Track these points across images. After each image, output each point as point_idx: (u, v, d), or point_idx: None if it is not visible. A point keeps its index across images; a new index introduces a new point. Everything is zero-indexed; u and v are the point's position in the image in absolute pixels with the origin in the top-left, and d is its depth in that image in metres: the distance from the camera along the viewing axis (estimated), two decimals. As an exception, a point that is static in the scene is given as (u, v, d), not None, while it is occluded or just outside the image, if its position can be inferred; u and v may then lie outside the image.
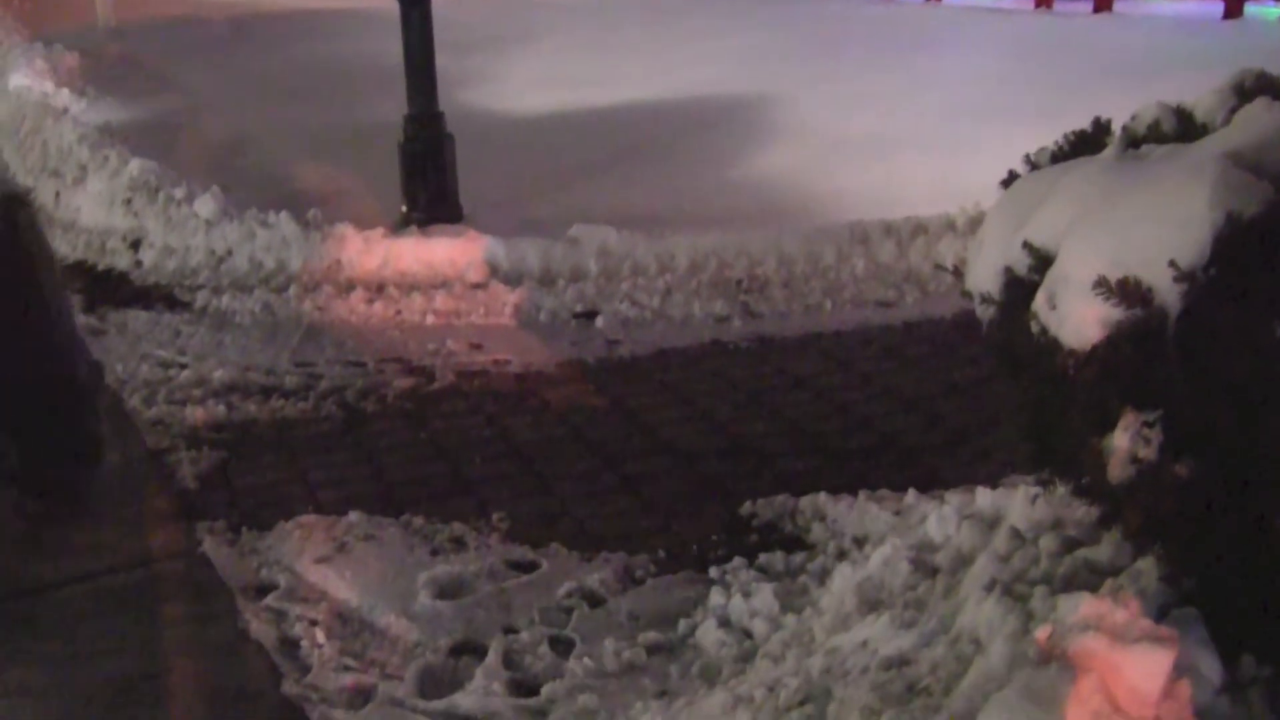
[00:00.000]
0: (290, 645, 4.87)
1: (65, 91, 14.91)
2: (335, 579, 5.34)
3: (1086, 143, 4.82)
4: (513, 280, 8.71)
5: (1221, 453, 3.23)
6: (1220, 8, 18.41)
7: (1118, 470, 3.32)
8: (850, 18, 18.82)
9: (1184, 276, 3.20)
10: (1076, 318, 3.41)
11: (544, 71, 15.58)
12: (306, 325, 8.36)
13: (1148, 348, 3.27)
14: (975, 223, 9.28)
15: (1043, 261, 3.80)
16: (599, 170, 11.21)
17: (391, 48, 9.68)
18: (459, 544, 5.61)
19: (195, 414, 7.05)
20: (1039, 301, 3.58)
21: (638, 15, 19.36)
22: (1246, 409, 3.18)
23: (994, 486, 5.47)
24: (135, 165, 10.64)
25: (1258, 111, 3.85)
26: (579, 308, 8.36)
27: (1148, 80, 14.29)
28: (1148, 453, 3.26)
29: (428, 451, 6.63)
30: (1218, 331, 3.18)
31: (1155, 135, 4.59)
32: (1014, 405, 4.48)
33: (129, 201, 10.24)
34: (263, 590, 5.27)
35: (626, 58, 16.19)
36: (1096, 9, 18.90)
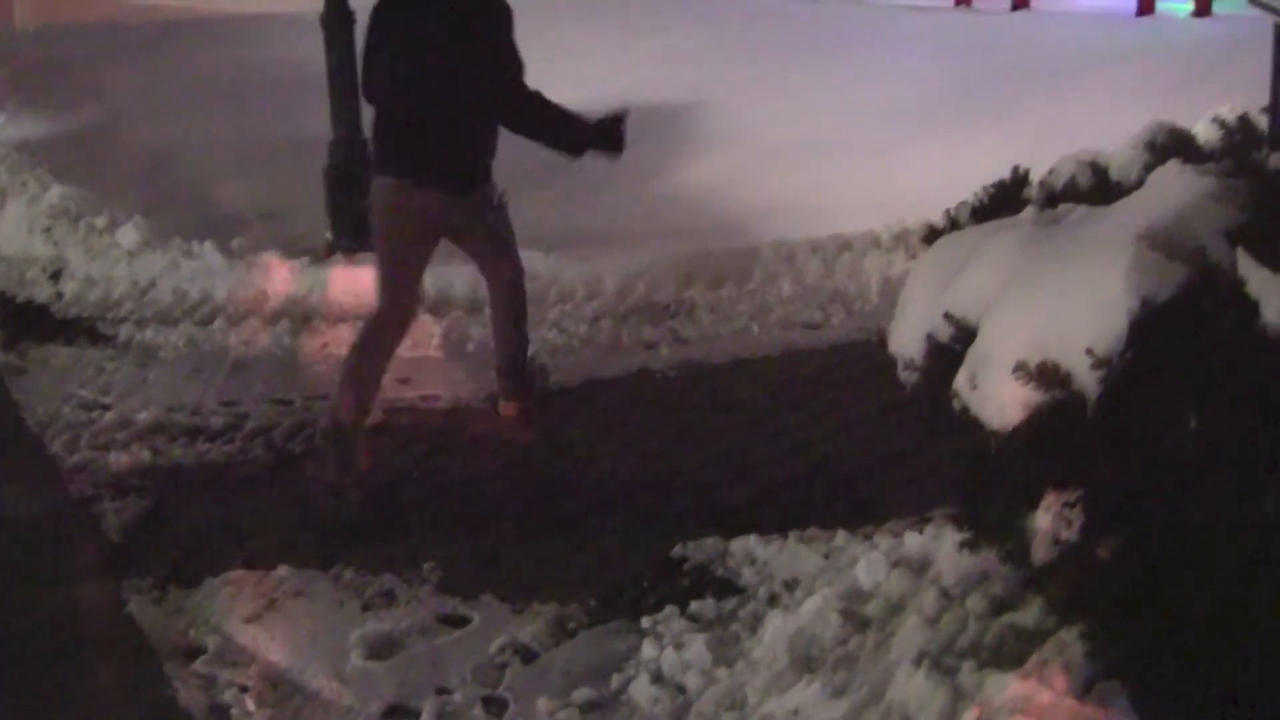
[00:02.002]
0: (220, 713, 4.84)
1: (-21, 110, 14.75)
2: (265, 640, 5.31)
3: (1005, 196, 4.86)
4: (440, 309, 8.68)
5: (1143, 533, 3.26)
6: (1134, 4, 18.52)
7: (1041, 552, 3.36)
8: (773, 16, 18.77)
9: (1101, 363, 3.23)
10: (998, 399, 3.45)
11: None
12: (232, 360, 8.29)
13: (1068, 430, 3.31)
14: (899, 239, 9.36)
15: (964, 333, 3.83)
16: (527, 185, 11.08)
17: (320, 55, 9.57)
18: (390, 597, 5.59)
19: (120, 459, 6.98)
20: (961, 380, 3.61)
21: (571, 13, 19.28)
22: (1166, 490, 3.21)
23: (925, 518, 5.53)
24: (55, 192, 10.53)
25: (1169, 178, 3.88)
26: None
27: (1065, 78, 14.45)
28: (1069, 534, 3.30)
29: (356, 494, 6.60)
30: (1136, 415, 3.22)
31: (1072, 192, 4.64)
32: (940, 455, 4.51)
33: (49, 230, 10.13)
34: (191, 653, 5.23)
35: (558, 60, 16.09)
36: (1015, 6, 18.97)
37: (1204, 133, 5.05)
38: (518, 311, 7.22)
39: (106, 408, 7.61)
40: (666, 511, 6.25)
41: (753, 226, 9.92)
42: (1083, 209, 4.14)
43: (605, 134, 6.87)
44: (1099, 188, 4.59)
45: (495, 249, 7.11)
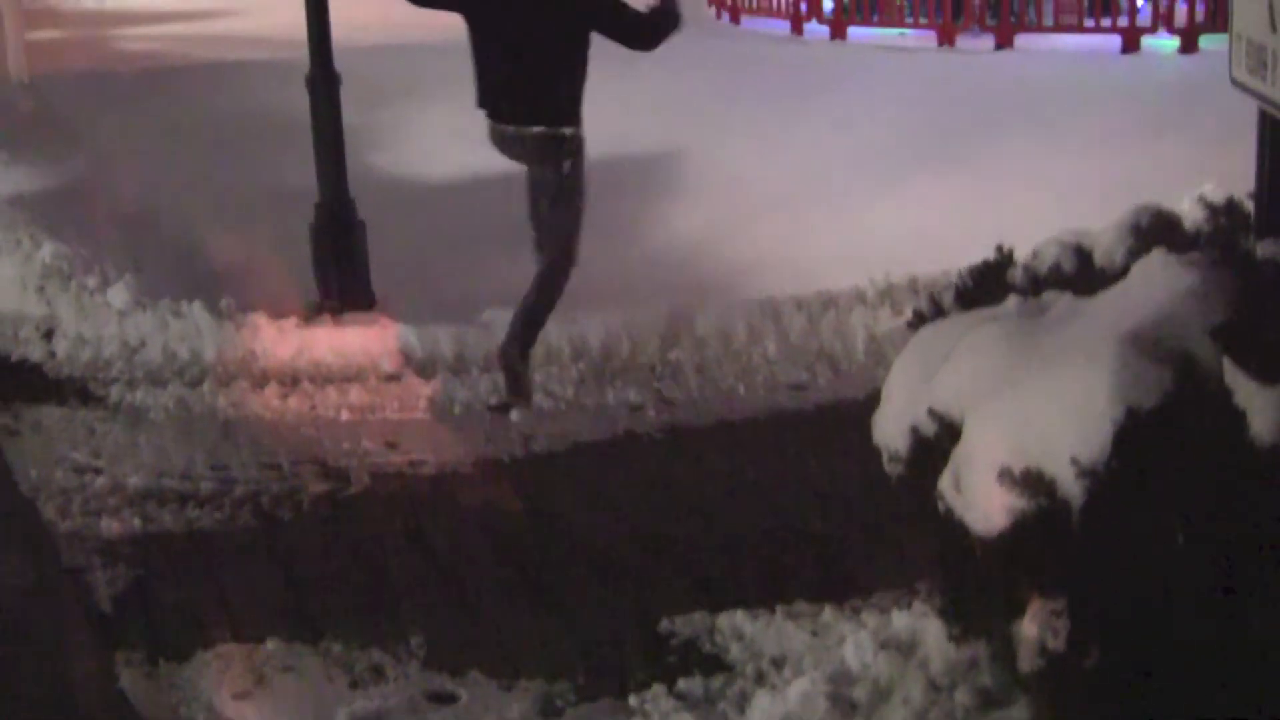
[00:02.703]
0: (212, 793, 4.87)
1: (-29, 161, 14.75)
2: (255, 716, 5.33)
3: (989, 278, 4.91)
4: (427, 369, 8.72)
5: (1129, 641, 3.30)
6: (1119, 41, 18.63)
7: (1027, 662, 3.39)
8: (752, 59, 18.83)
9: (1086, 472, 3.27)
10: (982, 504, 3.49)
11: (457, 125, 15.44)
12: (221, 422, 8.32)
13: (1052, 539, 3.34)
14: (884, 295, 9.39)
15: (948, 429, 3.87)
16: (511, 239, 11.20)
17: (304, 104, 9.63)
18: (378, 673, 5.61)
19: (111, 526, 7.00)
20: (945, 483, 3.65)
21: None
22: (1153, 603, 3.25)
23: (912, 591, 5.56)
24: (48, 250, 10.53)
25: (1154, 270, 3.92)
26: (493, 400, 8.35)
27: (1049, 121, 14.51)
28: (1056, 644, 3.33)
29: (344, 564, 6.63)
30: (1121, 526, 3.26)
31: (1056, 278, 4.68)
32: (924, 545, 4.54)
33: (41, 289, 10.14)
34: (184, 731, 5.26)
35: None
36: (998, 45, 19.06)
37: (1190, 214, 5.09)
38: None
39: (98, 471, 7.63)
40: (653, 583, 6.27)
41: (737, 281, 9.96)
42: (1067, 300, 4.18)
43: (666, 14, 8.12)
44: (1083, 273, 4.63)
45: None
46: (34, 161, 14.93)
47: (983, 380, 3.73)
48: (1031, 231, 9.75)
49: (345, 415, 8.32)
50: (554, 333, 8.86)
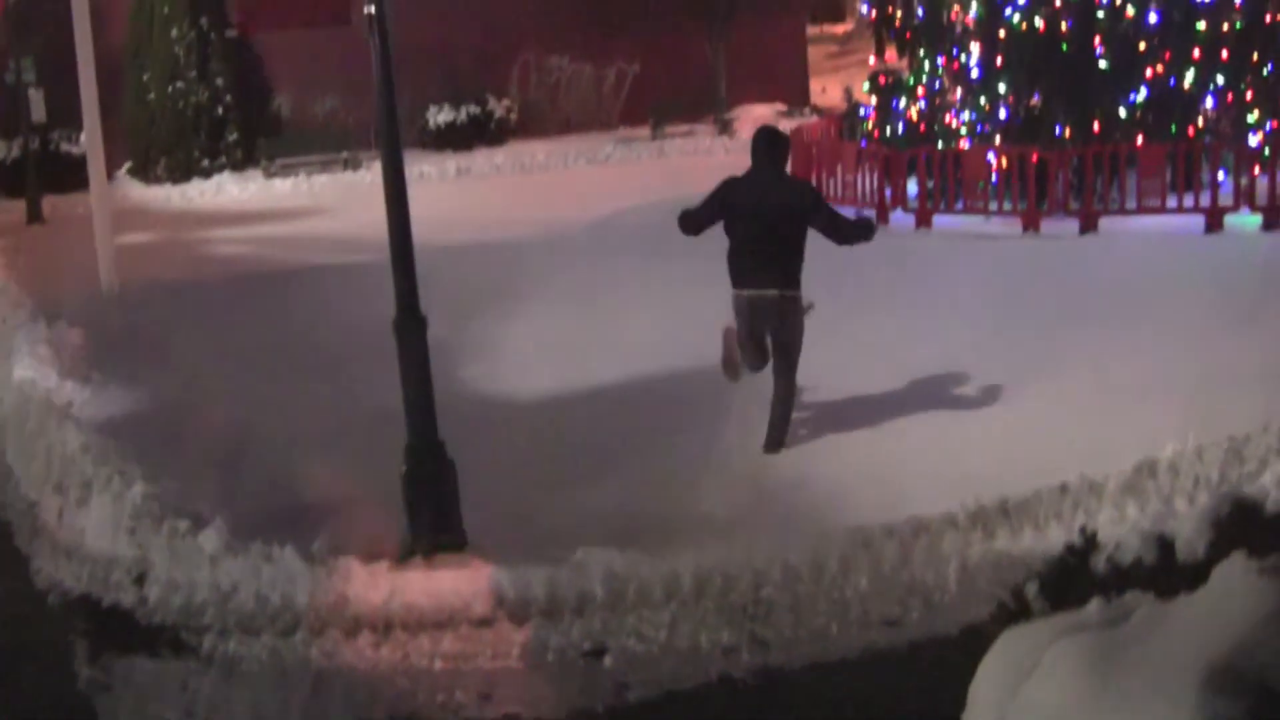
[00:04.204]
0: None
1: (69, 384, 15.02)
2: None
3: (1072, 571, 4.88)
4: (519, 612, 8.72)
5: None
6: (1202, 220, 18.64)
7: None
8: (839, 249, 18.96)
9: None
10: None
11: (540, 338, 15.69)
12: (314, 674, 8.35)
13: None
14: (976, 519, 9.34)
15: (1037, 756, 3.84)
16: (602, 463, 11.29)
17: (391, 306, 9.79)
18: None
19: (208, 797, 7.04)
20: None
21: (630, 261, 19.55)
22: None
23: None
24: (139, 490, 10.69)
25: (1234, 583, 3.89)
26: (587, 645, 8.34)
27: (1135, 310, 14.52)
28: None
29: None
30: None
31: (1138, 572, 4.65)
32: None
33: (133, 530, 10.28)
34: None
35: (624, 315, 16.33)
36: (1083, 229, 19.13)
37: (1273, 494, 5.06)
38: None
39: (192, 733, 7.68)
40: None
41: (826, 507, 9.96)
42: (1148, 607, 4.15)
43: (864, 226, 11.86)
44: (1164, 567, 4.61)
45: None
46: (125, 383, 15.21)
47: (1067, 712, 3.71)
48: (1113, 452, 9.81)
49: (439, 664, 8.32)
50: (646, 571, 8.87)
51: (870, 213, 21.15)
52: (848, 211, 13.59)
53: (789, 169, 12.36)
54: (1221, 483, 9.60)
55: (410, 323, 9.54)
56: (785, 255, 11.33)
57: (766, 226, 11.32)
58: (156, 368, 15.87)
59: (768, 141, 11.63)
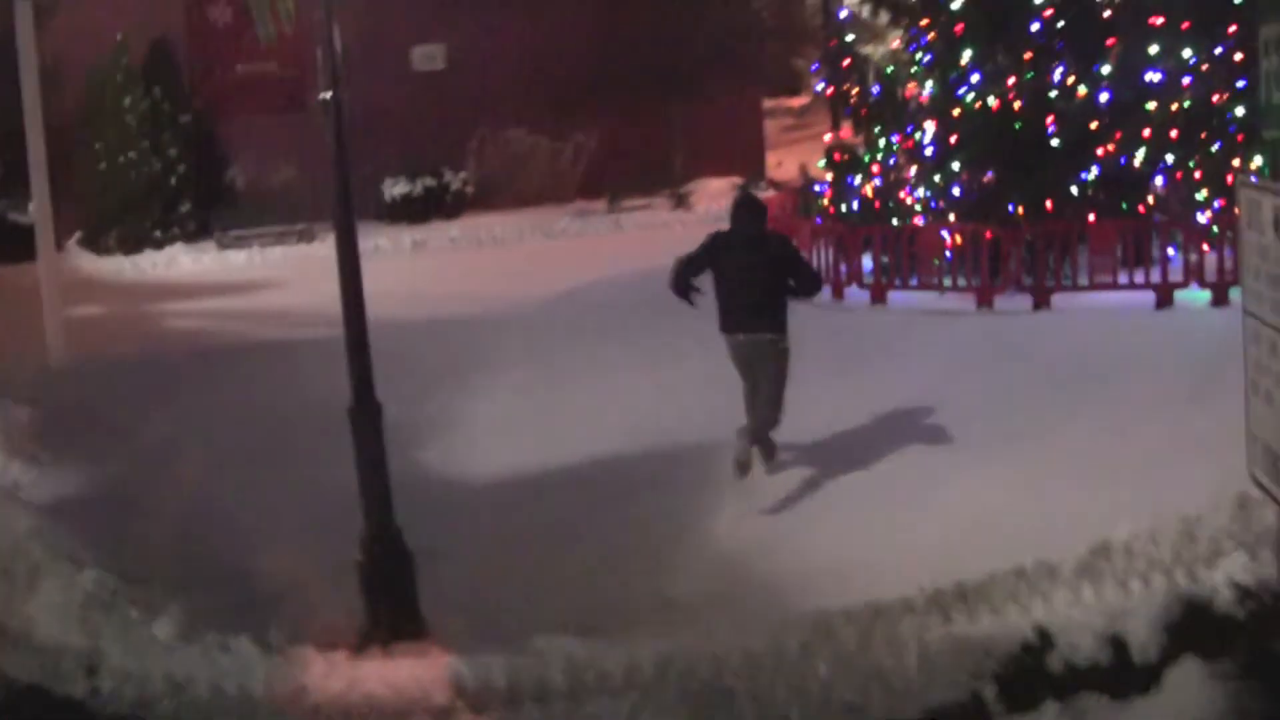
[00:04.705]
0: None
1: (16, 464, 14.82)
2: None
3: (1029, 672, 4.92)
4: (479, 702, 8.65)
5: None
6: (1153, 296, 18.77)
7: None
8: (792, 325, 19.01)
9: None
10: None
11: (498, 417, 15.61)
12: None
13: None
14: (933, 603, 9.34)
15: None
16: (562, 545, 11.27)
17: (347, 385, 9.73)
18: None
19: None
20: None
21: (587, 338, 19.55)
22: None
23: None
24: (89, 577, 10.56)
25: (1188, 687, 3.94)
26: (547, 731, 8.31)
27: (1088, 388, 14.55)
28: None
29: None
30: None
31: (1093, 676, 4.69)
32: None
33: (84, 619, 10.14)
34: None
35: (582, 394, 16.30)
36: (1036, 305, 19.19)
37: (1224, 596, 5.10)
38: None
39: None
40: None
41: (785, 590, 9.96)
42: (1101, 713, 4.19)
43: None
44: (1118, 667, 4.65)
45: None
46: (76, 463, 15.02)
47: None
48: (1068, 532, 9.84)
49: (399, 761, 8.26)
50: (607, 659, 8.83)
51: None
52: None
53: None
54: (1175, 564, 9.65)
55: (365, 411, 9.51)
56: (773, 302, 12.62)
57: (753, 276, 12.57)
58: (109, 447, 15.66)
59: (747, 205, 13.33)
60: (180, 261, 32.86)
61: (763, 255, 12.73)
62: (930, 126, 22.17)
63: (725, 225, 13.24)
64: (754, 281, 12.64)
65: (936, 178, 21.88)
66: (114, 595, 10.36)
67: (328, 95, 9.31)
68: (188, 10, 35.48)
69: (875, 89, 22.99)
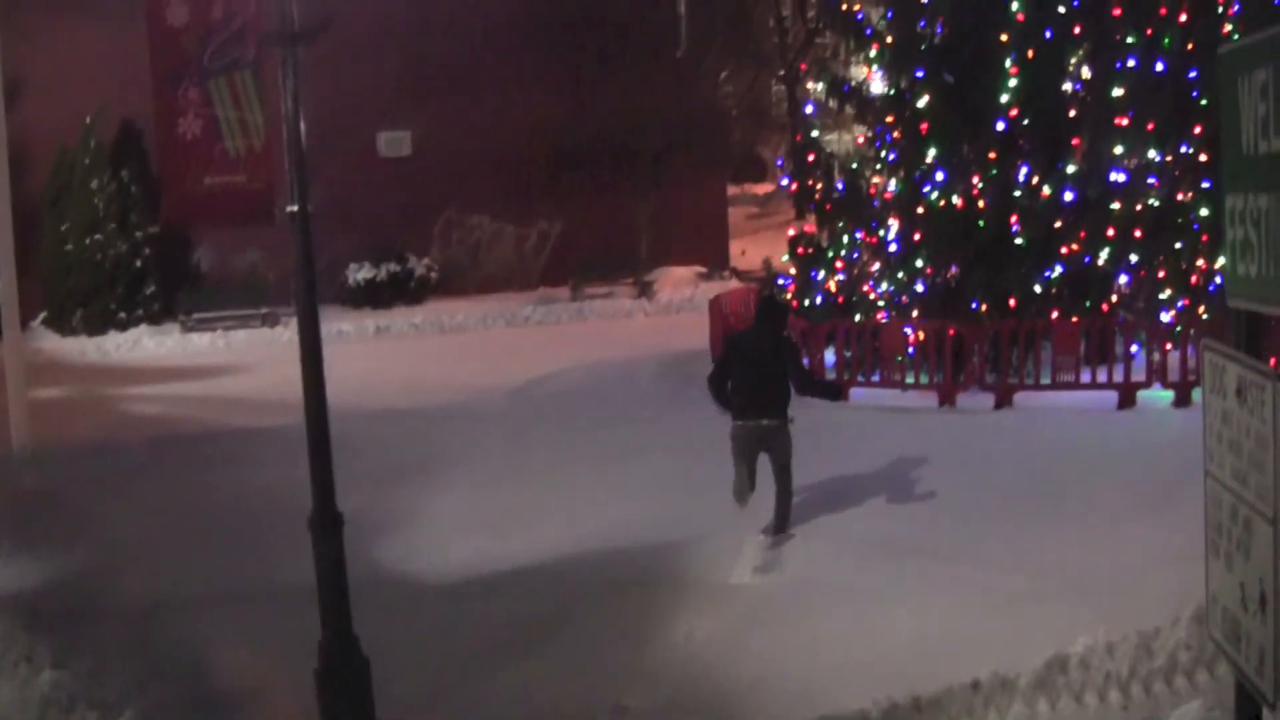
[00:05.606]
0: None
1: (-24, 554, 14.76)
2: None
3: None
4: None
5: None
6: (1115, 396, 18.89)
7: None
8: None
9: None
10: None
11: (460, 510, 15.55)
12: None
13: None
14: (888, 716, 9.34)
15: None
16: (522, 646, 11.22)
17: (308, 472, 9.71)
18: None
19: None
20: None
21: (550, 430, 19.56)
22: None
23: None
24: (47, 678, 10.51)
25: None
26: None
27: (1048, 492, 14.58)
28: None
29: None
30: None
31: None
32: None
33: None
34: None
35: (545, 488, 16.30)
36: (998, 404, 19.31)
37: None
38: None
39: None
40: None
41: (742, 701, 9.93)
42: None
43: (831, 388, 16.48)
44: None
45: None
46: (36, 552, 14.91)
47: None
48: (1025, 644, 9.86)
49: None
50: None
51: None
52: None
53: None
54: (1132, 679, 9.70)
55: (326, 520, 9.47)
56: (777, 393, 14.06)
57: (760, 372, 14.09)
58: (70, 536, 15.59)
59: (767, 309, 14.91)
60: (144, 344, 32.84)
61: (769, 354, 14.16)
62: (894, 223, 22.35)
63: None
64: (760, 378, 14.07)
65: (900, 274, 22.04)
66: (70, 697, 10.29)
67: (294, 207, 9.32)
68: (157, 121, 35.60)
69: (840, 185, 23.12)
